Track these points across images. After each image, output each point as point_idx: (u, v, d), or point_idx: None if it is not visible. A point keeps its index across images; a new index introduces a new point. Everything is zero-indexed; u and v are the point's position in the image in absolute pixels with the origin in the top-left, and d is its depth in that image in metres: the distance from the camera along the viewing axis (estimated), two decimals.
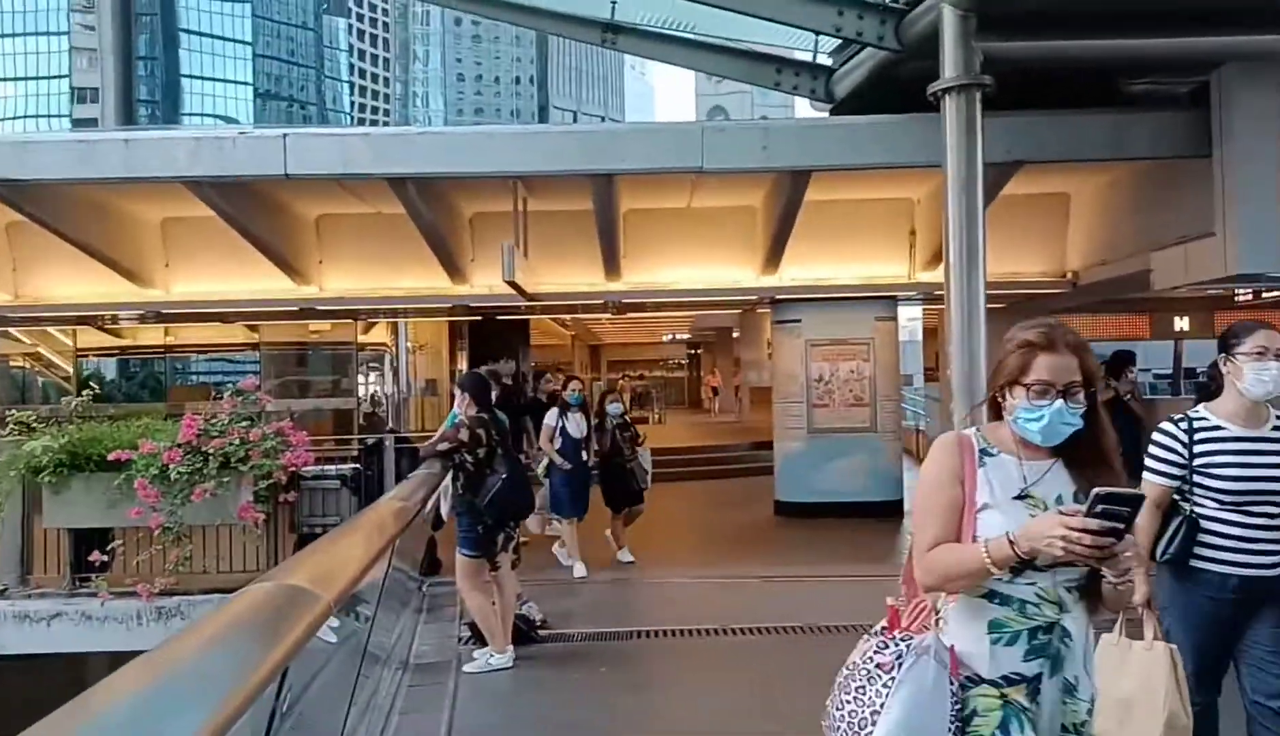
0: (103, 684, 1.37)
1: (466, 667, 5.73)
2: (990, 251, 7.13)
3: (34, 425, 7.96)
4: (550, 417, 8.32)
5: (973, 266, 6.97)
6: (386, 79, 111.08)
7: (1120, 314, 13.83)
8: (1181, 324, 14.08)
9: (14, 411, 8.79)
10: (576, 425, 8.30)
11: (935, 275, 10.36)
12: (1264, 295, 11.52)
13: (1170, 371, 15.34)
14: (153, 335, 15.23)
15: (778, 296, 11.66)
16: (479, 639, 5.90)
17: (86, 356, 15.50)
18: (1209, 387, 3.41)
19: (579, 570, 8.14)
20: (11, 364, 15.58)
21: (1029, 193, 10.42)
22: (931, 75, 7.11)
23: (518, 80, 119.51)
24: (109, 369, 16.24)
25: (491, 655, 5.74)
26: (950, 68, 6.94)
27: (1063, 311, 13.44)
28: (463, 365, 19.00)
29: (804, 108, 10.42)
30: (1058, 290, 11.41)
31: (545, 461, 8.40)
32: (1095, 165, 9.64)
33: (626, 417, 8.92)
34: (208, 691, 1.40)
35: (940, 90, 7.01)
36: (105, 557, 7.66)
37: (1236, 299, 12.48)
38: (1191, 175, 8.45)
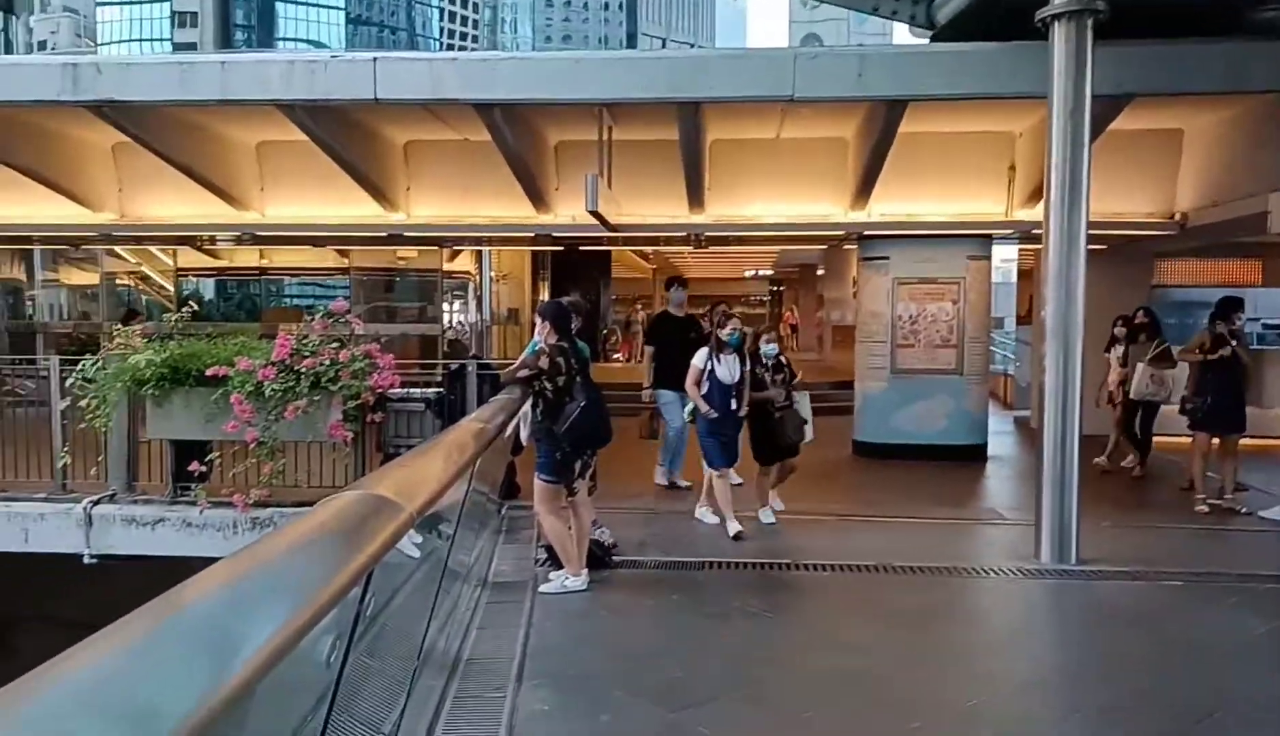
0: (193, 580, 1.41)
1: (542, 588, 5.87)
2: (1094, 189, 6.80)
3: (139, 341, 8.33)
4: (698, 358, 7.41)
5: (1075, 204, 6.66)
6: (476, 4, 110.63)
7: (1231, 258, 13.10)
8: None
9: (120, 327, 9.18)
10: (729, 369, 7.35)
11: (1034, 213, 9.95)
12: None
13: None
14: (248, 257, 15.69)
15: (866, 232, 11.36)
16: (555, 561, 6.03)
17: (186, 276, 16.06)
18: None
19: (732, 527, 7.25)
20: (118, 282, 16.26)
21: (1139, 128, 9.87)
22: (1040, 1, 6.72)
23: (606, 5, 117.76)
24: (207, 289, 16.80)
25: (567, 577, 5.86)
26: None
27: (1169, 255, 12.82)
28: (544, 295, 19.19)
29: (902, 35, 10.03)
30: (1165, 232, 10.85)
31: (690, 406, 7.64)
32: (1212, 99, 9.05)
33: (783, 357, 7.85)
34: (293, 590, 1.45)
35: (1049, 16, 6.64)
36: (204, 468, 8.02)
37: None
38: None
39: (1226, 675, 4.62)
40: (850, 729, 4.05)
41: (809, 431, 7.77)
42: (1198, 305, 12.27)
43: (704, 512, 7.71)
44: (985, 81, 8.34)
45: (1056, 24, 6.62)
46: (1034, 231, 8.83)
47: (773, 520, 7.71)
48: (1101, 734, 3.98)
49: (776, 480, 7.91)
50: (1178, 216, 10.66)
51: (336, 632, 1.98)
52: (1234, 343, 8.29)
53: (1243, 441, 8.51)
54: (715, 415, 7.24)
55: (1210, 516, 8.07)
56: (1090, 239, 6.75)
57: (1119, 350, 10.17)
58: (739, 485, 8.08)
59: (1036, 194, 9.23)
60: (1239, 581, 6.14)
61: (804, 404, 7.78)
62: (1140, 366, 9.42)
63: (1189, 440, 8.78)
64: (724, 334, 7.32)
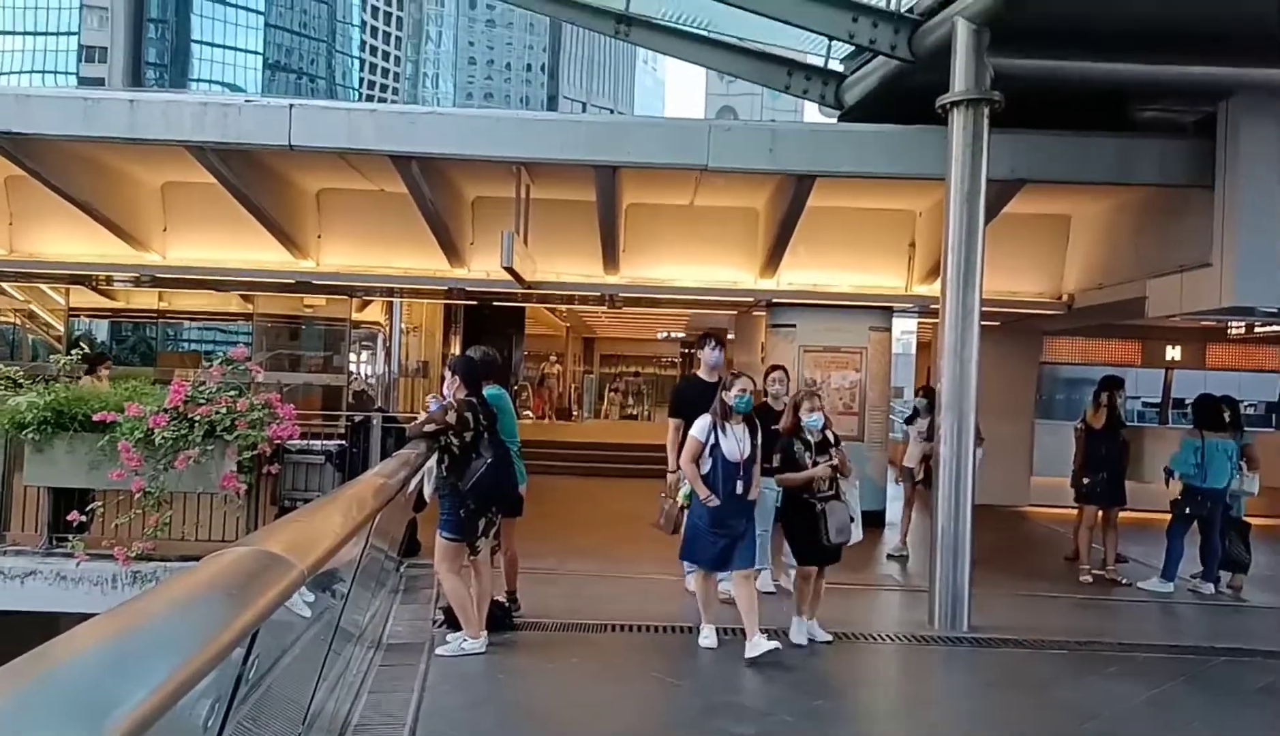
0: (66, 636, 1.35)
1: (439, 650, 5.72)
2: (988, 269, 7.14)
3: (21, 382, 7.93)
4: (698, 429, 5.95)
5: (970, 282, 6.97)
6: (398, 58, 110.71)
7: (1113, 339, 13.86)
8: (1173, 353, 14.12)
9: (1, 366, 8.74)
10: (736, 442, 5.88)
11: (932, 289, 10.38)
12: (1256, 329, 11.56)
13: (1159, 400, 15.40)
14: (146, 299, 15.17)
15: (775, 300, 11.64)
16: (453, 623, 5.90)
17: (78, 316, 15.42)
18: None
19: (706, 636, 6.06)
20: (2, 319, 15.50)
21: (1030, 212, 10.43)
22: (941, 88, 7.11)
23: (529, 67, 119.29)
24: (100, 330, 16.16)
25: (465, 639, 5.73)
26: (960, 81, 6.95)
27: (1057, 333, 13.50)
28: (456, 348, 19.00)
29: (812, 114, 10.43)
30: (1053, 311, 11.43)
31: (686, 488, 6.19)
32: (1097, 189, 9.65)
33: (829, 432, 6.28)
34: (172, 649, 1.39)
35: (949, 103, 7.02)
36: (84, 518, 7.62)
37: (1230, 332, 12.52)
38: (1193, 205, 8.48)
39: None
40: None
41: (856, 531, 6.20)
42: (1083, 382, 12.90)
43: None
44: (889, 161, 8.73)
45: (956, 110, 7.00)
46: (932, 306, 9.20)
47: (828, 637, 6.28)
48: None
49: (814, 591, 6.37)
50: (1065, 297, 11.24)
51: (216, 695, 1.90)
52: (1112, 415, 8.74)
53: (1121, 514, 8.92)
54: (716, 502, 5.81)
55: (1093, 586, 8.40)
56: (984, 315, 7.08)
57: (922, 423, 9.41)
58: (726, 601, 6.48)
59: (935, 270, 9.63)
60: (1120, 650, 6.38)
61: (852, 496, 6.25)
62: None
63: (1073, 511, 9.16)
64: (730, 397, 5.91)
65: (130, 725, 1.17)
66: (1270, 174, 7.89)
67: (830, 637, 6.22)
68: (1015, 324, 12.11)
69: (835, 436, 6.33)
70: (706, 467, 5.87)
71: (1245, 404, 16.83)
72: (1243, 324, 11.39)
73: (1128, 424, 8.92)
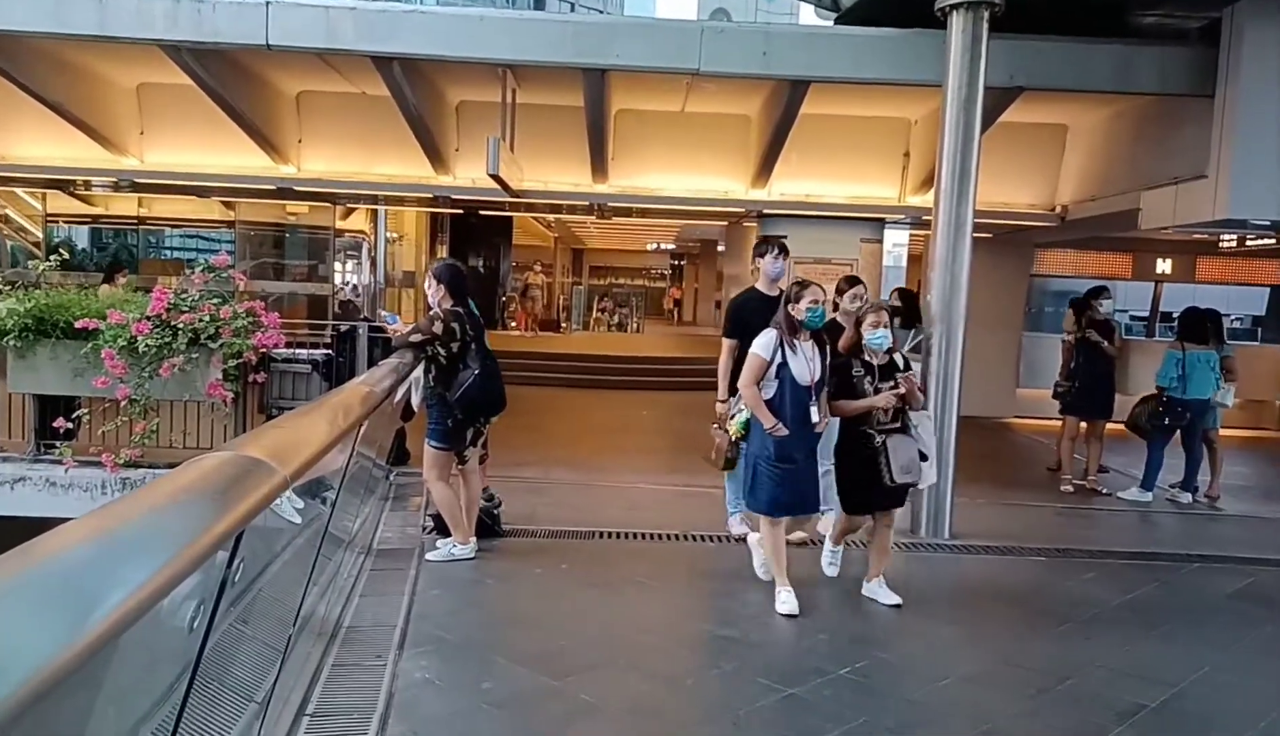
0: (48, 535, 1.33)
1: (429, 556, 5.79)
2: (982, 179, 7.04)
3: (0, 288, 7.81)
4: (760, 345, 5.07)
5: (963, 192, 6.88)
6: None
7: (1105, 251, 13.81)
8: (1164, 266, 14.10)
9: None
10: (805, 362, 5.02)
11: (925, 200, 10.25)
12: (1248, 242, 11.51)
13: (1147, 314, 15.43)
14: (126, 205, 14.87)
15: (765, 211, 11.52)
16: (442, 529, 5.95)
17: (56, 222, 15.14)
18: None
19: (784, 601, 5.07)
20: None
21: (1027, 121, 10.27)
22: None
23: None
24: (80, 237, 15.88)
25: (454, 545, 5.80)
26: None
27: (1048, 245, 13.43)
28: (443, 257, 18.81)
29: (808, 17, 10.14)
30: (1046, 223, 11.35)
31: (743, 414, 5.28)
32: (1096, 97, 9.47)
33: (896, 354, 5.38)
34: (154, 549, 1.38)
35: (947, 6, 6.81)
36: (70, 425, 7.61)
37: (1220, 245, 12.48)
38: (1191, 114, 8.34)
39: (1083, 643, 4.90)
40: (727, 691, 4.14)
41: (929, 472, 5.35)
42: (1073, 294, 12.90)
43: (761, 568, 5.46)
44: (886, 67, 8.53)
45: (955, 13, 6.80)
46: (924, 218, 9.10)
47: (895, 600, 5.27)
48: (968, 697, 4.18)
49: (876, 544, 5.45)
50: (1059, 209, 11.16)
51: (202, 597, 1.90)
52: (1091, 331, 8.71)
53: (1108, 426, 9.00)
54: (785, 432, 4.97)
55: (1074, 496, 8.53)
56: (976, 227, 7.00)
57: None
58: (800, 543, 6.00)
59: (928, 181, 9.51)
60: (1096, 557, 6.52)
61: (924, 426, 5.39)
62: None
63: (1058, 423, 9.24)
64: (800, 310, 5.02)
65: (111, 623, 1.16)
66: (1271, 84, 7.74)
67: (899, 601, 5.24)
68: (1007, 236, 12.03)
69: (905, 360, 5.42)
70: (770, 392, 5.02)
71: (1232, 317, 16.90)
72: (1234, 237, 11.33)
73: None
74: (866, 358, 5.20)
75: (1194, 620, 5.38)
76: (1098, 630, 5.13)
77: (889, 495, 5.26)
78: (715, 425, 6.10)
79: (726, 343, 6.21)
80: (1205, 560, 6.60)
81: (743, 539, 5.94)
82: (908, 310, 7.64)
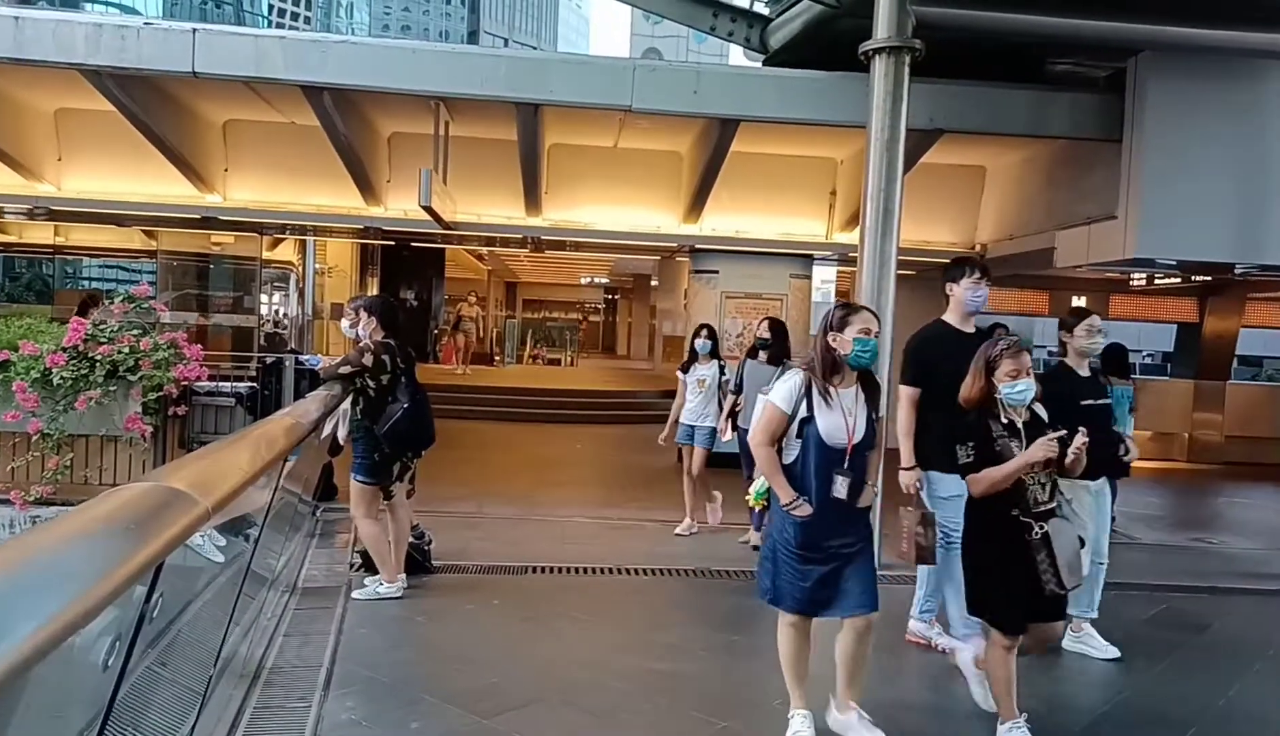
0: None
1: (355, 594, 5.66)
2: (905, 218, 7.23)
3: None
4: (779, 393, 3.74)
5: (888, 230, 7.06)
6: None
7: (1023, 289, 14.30)
8: (1079, 302, 14.63)
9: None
10: (845, 414, 3.67)
11: (851, 237, 10.51)
12: (1157, 281, 12.05)
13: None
14: (41, 233, 14.39)
15: (697, 245, 11.66)
16: (370, 567, 5.84)
17: None
18: None
19: (798, 730, 3.78)
20: None
21: (947, 162, 10.62)
22: (865, 34, 7.11)
23: (449, 0, 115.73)
24: None
25: (381, 583, 5.68)
26: (883, 28, 6.95)
27: None
28: (373, 290, 18.58)
29: (738, 57, 10.35)
30: None
31: (759, 483, 3.91)
32: (1012, 140, 9.86)
33: (1037, 408, 3.90)
34: (67, 579, 1.33)
35: (871, 50, 7.03)
36: None
37: (1131, 283, 13.03)
38: (1101, 159, 8.74)
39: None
40: (659, 727, 4.12)
41: (1085, 561, 3.89)
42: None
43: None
44: (812, 107, 8.76)
45: (878, 57, 7.02)
46: (850, 255, 9.33)
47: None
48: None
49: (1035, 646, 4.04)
50: (978, 247, 11.53)
51: (117, 633, 1.84)
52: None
53: None
54: (808, 511, 3.64)
55: None
56: (900, 264, 7.19)
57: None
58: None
59: (854, 219, 9.76)
60: None
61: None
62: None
63: None
64: (846, 341, 3.67)
65: (18, 657, 1.11)
66: (1173, 130, 8.17)
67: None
68: (930, 273, 12.37)
69: (1048, 416, 3.91)
70: (791, 455, 3.73)
71: (1144, 353, 17.54)
72: (1144, 275, 11.85)
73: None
74: (1005, 416, 3.78)
75: (1112, 644, 5.54)
76: (1025, 659, 5.24)
77: (1049, 608, 3.81)
78: (905, 507, 4.62)
79: (905, 392, 4.97)
80: (1120, 587, 6.80)
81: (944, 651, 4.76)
82: (776, 343, 7.02)
